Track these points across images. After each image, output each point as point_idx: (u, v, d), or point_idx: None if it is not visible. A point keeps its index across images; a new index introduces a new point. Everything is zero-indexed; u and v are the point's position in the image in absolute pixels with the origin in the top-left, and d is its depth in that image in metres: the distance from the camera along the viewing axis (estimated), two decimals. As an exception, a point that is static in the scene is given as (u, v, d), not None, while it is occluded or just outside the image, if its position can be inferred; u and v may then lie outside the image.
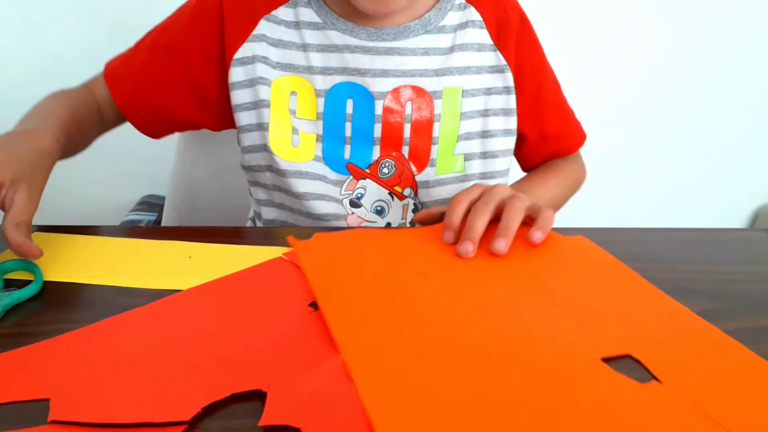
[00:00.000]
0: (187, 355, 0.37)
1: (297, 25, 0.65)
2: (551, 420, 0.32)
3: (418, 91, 0.66)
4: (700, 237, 0.60)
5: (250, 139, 0.67)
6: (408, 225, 0.70)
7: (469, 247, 0.50)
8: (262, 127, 0.65)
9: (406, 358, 0.37)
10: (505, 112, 0.70)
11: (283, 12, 0.65)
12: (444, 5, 0.67)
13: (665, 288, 0.46)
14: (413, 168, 0.68)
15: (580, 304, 0.44)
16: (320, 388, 0.34)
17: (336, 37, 0.65)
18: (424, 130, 0.67)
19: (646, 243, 0.57)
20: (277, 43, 0.65)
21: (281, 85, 0.65)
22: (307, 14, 0.65)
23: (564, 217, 0.54)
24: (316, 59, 0.65)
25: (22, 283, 0.45)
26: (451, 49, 0.67)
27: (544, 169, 0.78)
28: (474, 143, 0.69)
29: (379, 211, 0.69)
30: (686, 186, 1.60)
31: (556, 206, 0.75)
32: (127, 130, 0.71)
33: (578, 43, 1.38)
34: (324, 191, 0.66)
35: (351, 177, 0.67)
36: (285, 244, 0.52)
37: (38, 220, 0.51)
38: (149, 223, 1.17)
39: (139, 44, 0.70)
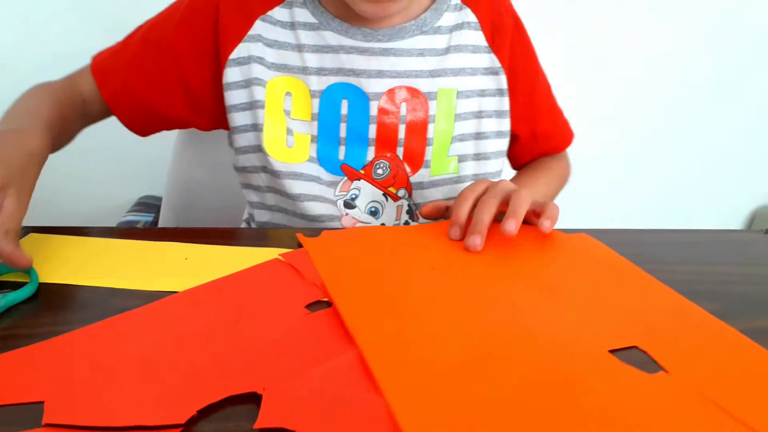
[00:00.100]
0: (183, 357, 0.37)
1: (292, 25, 0.65)
2: (561, 408, 0.32)
3: (413, 92, 0.66)
4: (698, 238, 0.60)
5: (244, 139, 0.67)
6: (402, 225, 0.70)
7: (477, 240, 0.50)
8: (256, 127, 0.65)
9: (423, 351, 0.37)
10: (499, 114, 0.70)
11: (278, 12, 0.65)
12: (440, 6, 0.67)
13: (662, 289, 0.46)
14: (408, 169, 0.67)
15: (588, 297, 0.45)
16: (316, 390, 0.34)
17: (331, 37, 0.64)
18: (418, 131, 0.66)
19: (644, 244, 0.57)
20: (272, 44, 0.65)
21: (276, 85, 0.65)
22: (303, 15, 0.65)
23: (563, 217, 0.55)
24: (312, 60, 0.65)
25: (16, 285, 0.45)
26: (447, 50, 0.67)
27: (534, 168, 0.79)
28: (468, 144, 0.69)
29: (374, 212, 0.69)
30: (685, 186, 1.60)
31: None
32: (125, 130, 0.71)
33: (578, 43, 1.38)
34: (318, 192, 0.66)
35: (345, 178, 0.67)
36: (282, 245, 0.52)
37: (34, 220, 0.51)
38: (146, 224, 1.16)
39: (129, 38, 0.68)
